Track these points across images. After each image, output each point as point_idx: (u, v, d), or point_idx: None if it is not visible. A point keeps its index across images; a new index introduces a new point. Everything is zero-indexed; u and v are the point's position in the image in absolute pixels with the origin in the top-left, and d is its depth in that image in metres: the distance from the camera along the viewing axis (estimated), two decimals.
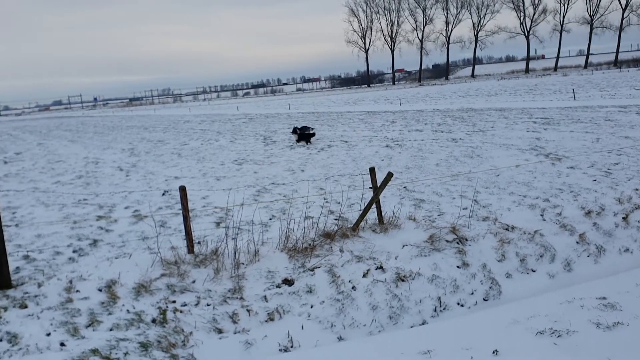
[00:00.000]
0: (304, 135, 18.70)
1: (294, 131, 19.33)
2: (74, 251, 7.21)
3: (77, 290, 5.72)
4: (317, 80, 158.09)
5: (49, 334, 4.83)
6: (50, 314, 5.19)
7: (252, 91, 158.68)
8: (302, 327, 5.85)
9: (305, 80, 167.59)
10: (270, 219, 8.54)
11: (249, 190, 10.78)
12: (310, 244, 7.05)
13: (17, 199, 11.28)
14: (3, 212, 9.27)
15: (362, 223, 7.57)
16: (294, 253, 6.91)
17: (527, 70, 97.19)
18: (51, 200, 10.92)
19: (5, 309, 5.23)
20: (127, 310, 5.49)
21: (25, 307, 5.32)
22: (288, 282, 6.45)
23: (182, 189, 6.76)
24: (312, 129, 19.58)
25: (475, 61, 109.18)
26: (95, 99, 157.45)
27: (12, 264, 6.23)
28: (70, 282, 5.89)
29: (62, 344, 4.71)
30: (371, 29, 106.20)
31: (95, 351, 4.59)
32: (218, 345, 5.46)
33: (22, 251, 7.20)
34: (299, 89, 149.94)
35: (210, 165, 15.06)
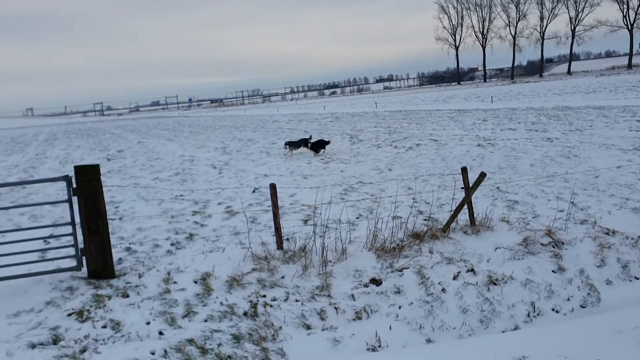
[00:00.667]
0: (314, 145, 17.17)
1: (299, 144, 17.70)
2: (172, 244, 7.56)
3: (175, 282, 6.00)
4: (404, 78, 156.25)
5: (148, 323, 5.09)
6: (149, 304, 5.47)
7: (338, 90, 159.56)
8: (390, 327, 5.80)
9: (392, 79, 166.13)
10: (357, 218, 8.54)
11: (335, 188, 10.83)
12: (398, 244, 6.98)
13: (120, 193, 11.99)
14: (107, 206, 9.88)
15: (453, 224, 7.40)
16: (382, 253, 6.86)
17: (629, 66, 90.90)
18: (150, 196, 11.52)
19: (110, 297, 5.57)
20: (221, 303, 5.68)
21: (127, 296, 5.64)
22: (376, 281, 6.42)
23: (272, 187, 6.90)
24: (310, 137, 18.07)
25: (572, 57, 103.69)
26: (190, 99, 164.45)
27: (115, 255, 6.63)
28: (169, 273, 6.18)
29: (160, 333, 4.95)
30: (462, 26, 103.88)
31: (191, 341, 4.79)
32: (306, 341, 5.53)
33: (124, 243, 7.64)
34: (385, 87, 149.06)
35: (297, 163, 15.29)
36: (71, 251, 6.45)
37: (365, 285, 6.30)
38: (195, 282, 6.06)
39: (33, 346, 4.53)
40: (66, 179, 6.02)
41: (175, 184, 13.01)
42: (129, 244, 7.64)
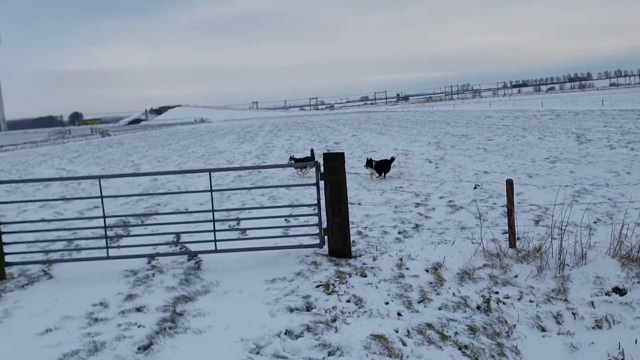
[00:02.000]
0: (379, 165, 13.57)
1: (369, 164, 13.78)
2: (399, 232, 7.85)
3: (407, 268, 6.23)
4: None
5: (387, 303, 5.38)
6: (386, 286, 5.77)
7: (556, 86, 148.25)
8: (636, 341, 5.33)
9: (620, 75, 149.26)
10: (595, 222, 7.95)
11: (566, 190, 10.18)
12: None
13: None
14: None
15: None
16: (627, 261, 6.31)
17: None
18: (371, 185, 12.04)
19: (350, 275, 6.01)
20: (453, 294, 5.76)
21: (365, 276, 6.02)
22: (619, 291, 5.93)
23: (509, 183, 6.76)
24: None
25: None
26: (397, 95, 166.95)
27: None
28: (401, 259, 6.44)
29: (398, 314, 5.20)
30: None
31: (429, 325, 4.95)
32: (541, 342, 5.34)
33: (355, 227, 8.13)
34: (612, 84, 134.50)
35: (520, 161, 14.66)
36: (312, 230, 7.09)
37: (607, 294, 5.86)
38: (427, 271, 6.22)
39: (291, 310, 5.10)
40: (316, 164, 6.62)
41: (394, 176, 13.38)
42: (360, 228, 8.11)
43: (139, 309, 5.36)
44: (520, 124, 29.77)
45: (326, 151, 21.90)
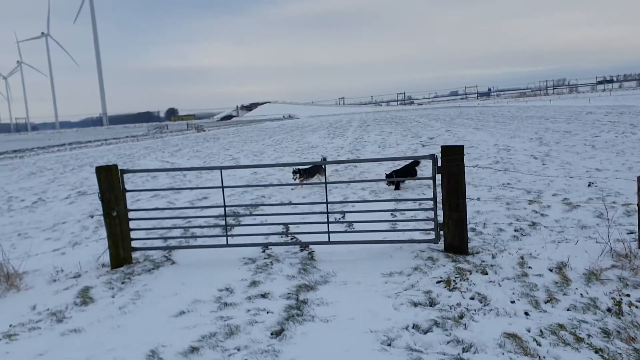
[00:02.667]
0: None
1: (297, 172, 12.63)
2: (515, 230, 7.59)
3: (530, 267, 6.01)
4: None
5: (513, 302, 5.22)
6: (509, 284, 5.60)
7: None
8: None
9: None
10: None
11: None
12: None
13: None
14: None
15: None
16: None
17: None
18: (476, 182, 11.74)
19: (470, 272, 5.88)
20: (581, 295, 5.50)
21: (486, 273, 5.87)
22: None
23: None
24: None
25: None
26: (489, 89, 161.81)
27: None
28: (522, 258, 6.23)
29: (526, 313, 5.03)
30: None
31: (561, 326, 4.76)
32: None
33: (468, 224, 7.95)
34: None
35: (634, 159, 13.77)
36: (422, 225, 7.00)
37: None
38: (550, 270, 5.97)
39: (414, 304, 5.06)
40: (432, 157, 6.53)
41: (498, 173, 12.98)
42: (473, 224, 7.92)
43: (263, 296, 5.53)
44: (627, 120, 27.95)
45: (422, 146, 21.60)
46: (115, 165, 7.09)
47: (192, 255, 7.43)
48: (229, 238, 7.45)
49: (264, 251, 7.35)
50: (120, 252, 7.18)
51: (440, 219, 6.66)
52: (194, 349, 4.46)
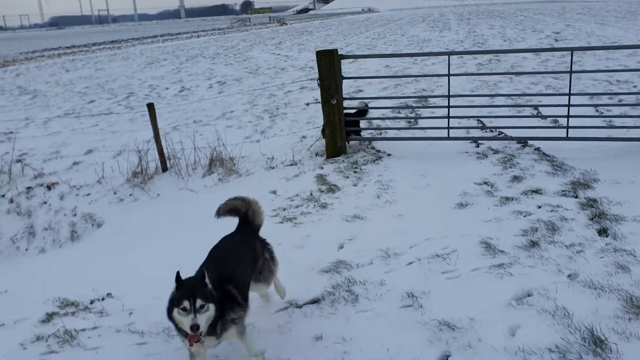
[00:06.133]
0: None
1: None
2: None
3: None
4: None
5: None
6: None
7: None
8: None
9: None
10: None
11: None
12: None
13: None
14: None
15: None
16: None
17: None
18: None
19: None
20: None
21: None
22: None
23: None
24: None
25: None
26: None
27: None
28: None
29: None
30: None
31: None
32: None
33: None
34: None
35: None
36: None
37: None
38: None
39: None
40: None
41: None
42: None
43: (536, 191, 5.19)
44: None
45: (554, 41, 19.95)
46: (336, 50, 6.71)
47: (403, 147, 7.13)
48: (445, 131, 7.01)
49: (477, 146, 6.93)
50: (338, 141, 6.99)
51: None
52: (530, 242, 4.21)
